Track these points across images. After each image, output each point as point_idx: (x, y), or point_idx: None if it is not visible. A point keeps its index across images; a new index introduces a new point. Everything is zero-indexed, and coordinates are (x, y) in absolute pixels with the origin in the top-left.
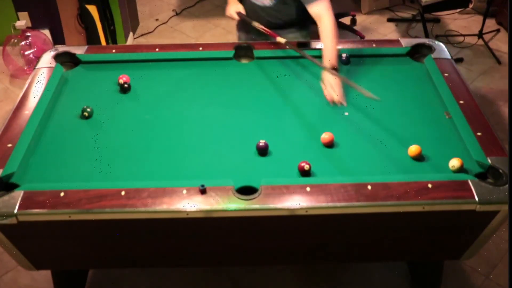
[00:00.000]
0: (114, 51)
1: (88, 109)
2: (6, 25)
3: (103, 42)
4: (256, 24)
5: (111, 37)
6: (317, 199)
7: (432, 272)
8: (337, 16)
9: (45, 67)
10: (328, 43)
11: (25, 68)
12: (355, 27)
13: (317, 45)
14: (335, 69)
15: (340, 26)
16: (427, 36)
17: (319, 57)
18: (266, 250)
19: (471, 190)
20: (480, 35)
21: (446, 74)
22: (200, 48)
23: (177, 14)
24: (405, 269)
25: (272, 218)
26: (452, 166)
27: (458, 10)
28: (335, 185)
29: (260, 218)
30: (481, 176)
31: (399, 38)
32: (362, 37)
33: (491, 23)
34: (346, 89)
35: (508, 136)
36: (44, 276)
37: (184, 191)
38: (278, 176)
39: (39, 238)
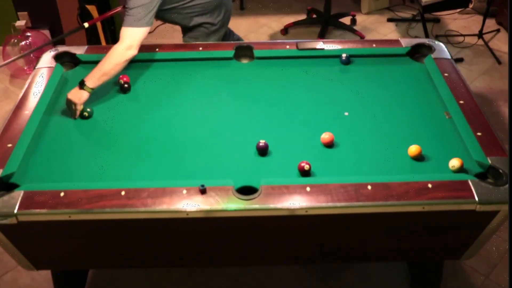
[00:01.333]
0: None
1: (88, 109)
2: (6, 25)
3: (103, 42)
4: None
5: (111, 37)
6: (317, 199)
7: (432, 272)
8: (337, 16)
9: (45, 67)
10: (101, 61)
11: (25, 68)
12: (355, 27)
13: (317, 45)
14: (83, 84)
15: (340, 26)
16: (427, 36)
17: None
18: (266, 250)
19: (471, 190)
20: (480, 35)
21: (446, 74)
22: (200, 48)
23: None
24: (405, 269)
25: (272, 218)
26: (452, 166)
27: (458, 10)
28: (335, 185)
29: (260, 218)
30: (481, 176)
31: (399, 38)
32: (362, 37)
33: (491, 23)
34: (346, 90)
35: (508, 136)
36: (44, 276)
37: (184, 191)
38: (278, 176)
39: (39, 238)
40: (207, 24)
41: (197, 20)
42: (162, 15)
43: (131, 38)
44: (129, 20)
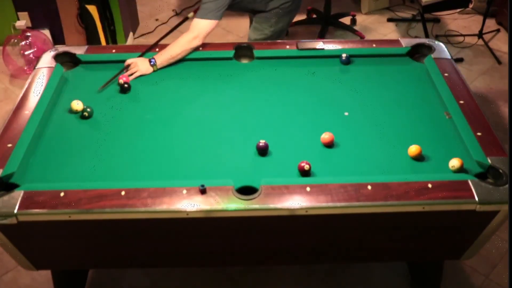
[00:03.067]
0: (114, 51)
1: (88, 109)
2: (6, 25)
3: (103, 42)
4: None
5: (111, 37)
6: (317, 199)
7: (432, 272)
8: (337, 16)
9: (45, 67)
10: (170, 45)
11: (25, 68)
12: (355, 27)
13: (317, 45)
14: (152, 61)
15: (340, 26)
16: (427, 36)
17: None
18: (266, 250)
19: (471, 190)
20: (480, 35)
21: (446, 74)
22: (200, 48)
23: (177, 14)
24: (405, 269)
25: (272, 218)
26: (452, 166)
27: (458, 10)
28: (335, 185)
29: (260, 218)
30: (481, 176)
31: (399, 38)
32: (362, 37)
33: (491, 23)
34: (346, 90)
35: (508, 136)
36: (44, 276)
37: (184, 191)
38: (278, 176)
39: (39, 238)
40: (283, 4)
41: (273, 4)
42: (236, 6)
43: (199, 29)
44: (200, 12)
